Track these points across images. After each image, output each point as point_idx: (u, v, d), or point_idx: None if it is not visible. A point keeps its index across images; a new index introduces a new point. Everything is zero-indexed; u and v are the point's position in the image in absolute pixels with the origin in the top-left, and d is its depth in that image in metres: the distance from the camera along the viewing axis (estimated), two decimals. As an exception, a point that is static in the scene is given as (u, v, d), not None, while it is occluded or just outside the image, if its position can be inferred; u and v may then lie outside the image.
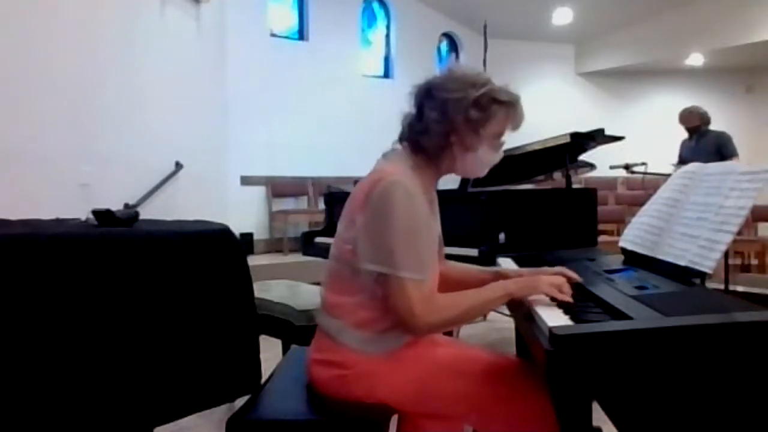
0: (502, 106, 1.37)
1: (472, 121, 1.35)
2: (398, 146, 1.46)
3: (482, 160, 1.42)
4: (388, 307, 1.31)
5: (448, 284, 1.53)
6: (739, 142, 9.46)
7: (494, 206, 2.47)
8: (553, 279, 1.34)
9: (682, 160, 4.90)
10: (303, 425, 1.35)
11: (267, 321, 2.39)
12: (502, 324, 4.11)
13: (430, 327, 1.33)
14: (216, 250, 1.71)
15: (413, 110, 1.41)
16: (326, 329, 1.42)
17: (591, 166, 3.72)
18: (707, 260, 1.25)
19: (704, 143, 4.84)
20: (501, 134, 1.42)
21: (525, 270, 1.60)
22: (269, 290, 2.69)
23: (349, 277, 1.36)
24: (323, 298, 1.44)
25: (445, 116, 1.34)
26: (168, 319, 1.59)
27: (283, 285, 2.93)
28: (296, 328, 2.31)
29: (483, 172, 1.47)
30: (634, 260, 1.59)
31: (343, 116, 7.27)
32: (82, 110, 4.14)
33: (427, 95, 1.38)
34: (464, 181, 2.69)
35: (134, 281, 1.53)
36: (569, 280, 1.37)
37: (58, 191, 3.80)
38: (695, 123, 4.88)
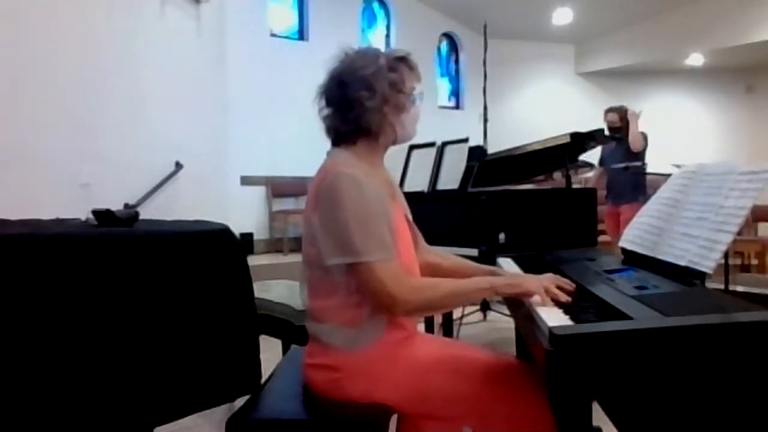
0: (403, 62, 1.45)
1: (394, 84, 1.41)
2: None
3: (413, 117, 1.48)
4: (365, 298, 1.31)
5: (438, 275, 1.53)
6: (739, 142, 9.43)
7: (494, 206, 2.47)
8: (543, 280, 1.31)
9: (602, 161, 4.77)
10: (303, 425, 1.35)
11: (267, 321, 2.39)
12: (502, 324, 4.11)
13: (408, 306, 1.30)
14: (216, 250, 1.71)
15: (331, 109, 1.44)
16: (315, 334, 1.42)
17: (591, 166, 3.71)
18: (707, 260, 1.25)
19: (622, 145, 4.61)
20: (413, 87, 1.47)
21: (521, 275, 1.60)
22: (269, 290, 2.69)
23: (322, 279, 1.37)
24: (307, 304, 1.45)
25: (372, 90, 1.38)
26: (168, 319, 1.59)
27: (283, 285, 2.94)
28: (296, 328, 2.31)
29: (416, 130, 1.52)
30: (634, 260, 1.59)
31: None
32: (82, 110, 4.14)
33: (342, 84, 1.41)
34: (464, 181, 2.69)
35: (134, 281, 1.53)
36: (563, 287, 1.32)
37: (58, 191, 3.80)
38: (617, 124, 4.66)
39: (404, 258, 1.39)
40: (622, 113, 4.67)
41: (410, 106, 1.45)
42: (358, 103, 1.39)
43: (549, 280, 1.33)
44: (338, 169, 1.33)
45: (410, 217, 1.58)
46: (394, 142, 1.50)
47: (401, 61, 1.44)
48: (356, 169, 1.35)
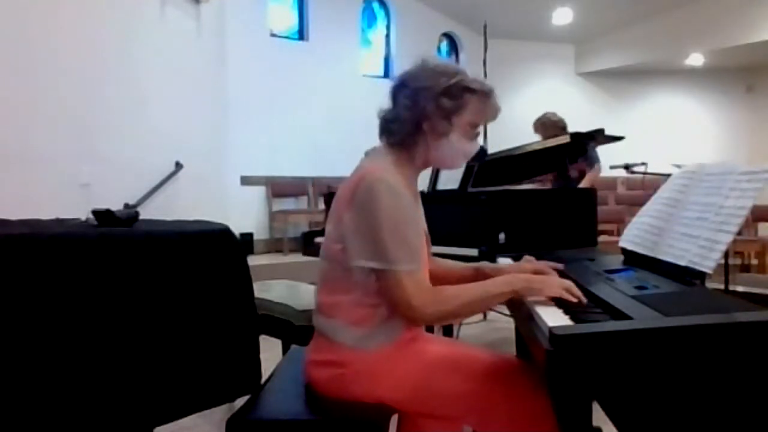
0: (474, 95, 1.40)
1: (443, 109, 1.38)
2: (379, 144, 1.48)
3: (456, 147, 1.44)
4: (383, 301, 1.32)
5: (433, 281, 1.53)
6: (739, 142, 9.43)
7: (494, 206, 2.47)
8: (564, 282, 1.31)
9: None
10: (303, 425, 1.35)
11: (267, 321, 2.39)
12: (502, 324, 4.11)
13: (430, 317, 1.33)
14: (216, 250, 1.71)
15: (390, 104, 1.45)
16: (323, 330, 1.42)
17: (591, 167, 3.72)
18: (707, 260, 1.25)
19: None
20: (476, 124, 1.44)
21: (506, 266, 1.60)
22: (269, 290, 2.69)
23: (341, 275, 1.36)
24: (317, 299, 1.45)
25: (415, 104, 1.38)
26: (168, 319, 1.59)
27: (283, 285, 2.94)
28: (296, 328, 2.31)
29: (459, 161, 1.50)
30: (634, 260, 1.59)
31: (343, 116, 7.26)
32: (82, 110, 4.14)
33: (400, 86, 1.41)
34: (464, 181, 2.69)
35: (134, 281, 1.53)
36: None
37: (58, 191, 3.80)
38: (550, 134, 4.04)
39: (423, 264, 1.39)
40: (546, 122, 4.25)
41: (451, 134, 1.41)
42: (397, 107, 1.41)
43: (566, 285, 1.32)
44: (378, 174, 1.32)
45: (426, 228, 1.57)
46: (427, 162, 1.48)
47: (472, 92, 1.40)
48: (393, 177, 1.34)
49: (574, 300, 1.26)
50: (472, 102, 1.40)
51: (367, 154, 1.48)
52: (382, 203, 1.29)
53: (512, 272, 1.49)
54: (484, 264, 1.63)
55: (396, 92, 1.43)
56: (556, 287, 1.29)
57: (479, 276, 1.53)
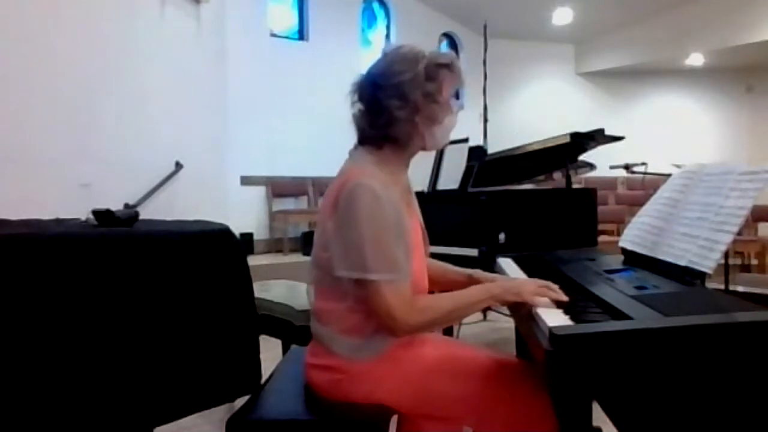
0: (445, 68, 1.38)
1: (430, 95, 1.36)
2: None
3: (447, 127, 1.43)
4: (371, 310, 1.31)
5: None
6: (739, 142, 9.44)
7: (494, 206, 2.47)
8: (540, 285, 1.32)
9: None
10: (303, 425, 1.35)
11: (267, 321, 2.39)
12: (502, 324, 4.12)
13: (411, 328, 1.32)
14: (216, 250, 1.71)
15: (362, 107, 1.40)
16: (319, 337, 1.41)
17: (591, 166, 3.71)
18: (707, 260, 1.25)
19: None
20: (452, 94, 1.42)
21: (499, 276, 1.60)
22: (269, 290, 2.69)
23: (331, 283, 1.35)
24: (312, 304, 1.44)
25: (405, 99, 1.34)
26: (168, 320, 1.59)
27: (283, 285, 2.94)
28: (296, 328, 2.31)
29: (448, 139, 1.48)
30: (634, 260, 1.59)
31: (344, 116, 7.23)
32: (82, 110, 4.14)
33: (376, 87, 1.36)
34: (464, 181, 2.69)
35: (134, 281, 1.53)
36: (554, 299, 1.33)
37: (58, 191, 3.80)
38: None
39: (416, 271, 1.38)
40: None
41: (443, 116, 1.40)
42: (387, 111, 1.34)
43: (546, 283, 1.34)
44: (358, 180, 1.29)
45: (422, 222, 1.56)
46: (423, 149, 1.46)
47: (443, 66, 1.37)
48: (376, 180, 1.31)
49: (553, 298, 1.28)
50: (446, 76, 1.38)
51: (351, 154, 1.45)
52: (363, 211, 1.26)
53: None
54: (479, 272, 1.60)
55: (373, 93, 1.36)
56: (533, 290, 1.30)
57: (472, 283, 1.50)
